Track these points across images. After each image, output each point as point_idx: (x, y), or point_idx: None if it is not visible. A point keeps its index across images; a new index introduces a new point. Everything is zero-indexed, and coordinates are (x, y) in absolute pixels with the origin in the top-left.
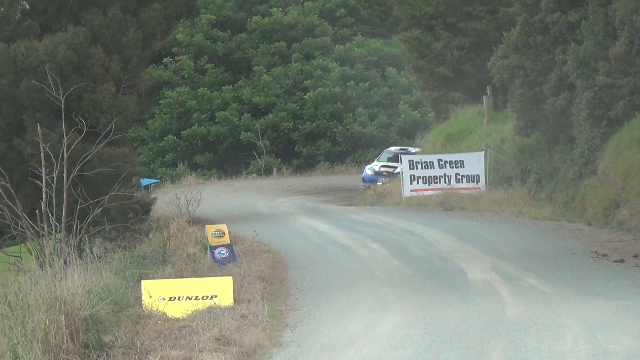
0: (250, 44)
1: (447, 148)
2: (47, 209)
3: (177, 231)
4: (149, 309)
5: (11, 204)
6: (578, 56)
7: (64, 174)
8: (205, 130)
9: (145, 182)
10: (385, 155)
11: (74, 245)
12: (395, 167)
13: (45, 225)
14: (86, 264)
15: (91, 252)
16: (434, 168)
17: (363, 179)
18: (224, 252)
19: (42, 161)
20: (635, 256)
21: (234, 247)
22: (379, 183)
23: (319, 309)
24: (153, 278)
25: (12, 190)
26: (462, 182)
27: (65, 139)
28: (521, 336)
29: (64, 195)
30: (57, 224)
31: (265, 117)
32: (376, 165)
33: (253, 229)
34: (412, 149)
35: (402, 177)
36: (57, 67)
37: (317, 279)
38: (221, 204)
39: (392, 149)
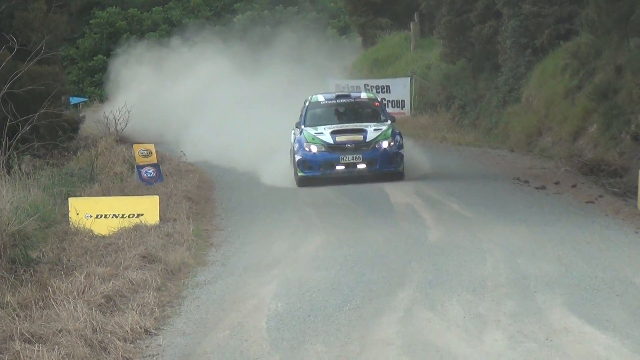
0: None
1: (373, 73)
2: None
3: (104, 150)
4: (76, 226)
5: None
6: None
7: None
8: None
9: (74, 100)
10: (314, 109)
11: (2, 162)
12: (365, 130)
13: None
14: (14, 181)
15: (20, 169)
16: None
17: (303, 161)
18: (150, 171)
19: None
20: (557, 183)
21: (160, 166)
22: (338, 167)
23: (244, 229)
24: (80, 196)
25: None
26: (388, 107)
27: None
28: (442, 259)
29: None
30: None
31: None
32: (322, 134)
33: (181, 149)
34: (361, 94)
35: None
36: None
37: (242, 199)
38: (150, 124)
39: (321, 98)
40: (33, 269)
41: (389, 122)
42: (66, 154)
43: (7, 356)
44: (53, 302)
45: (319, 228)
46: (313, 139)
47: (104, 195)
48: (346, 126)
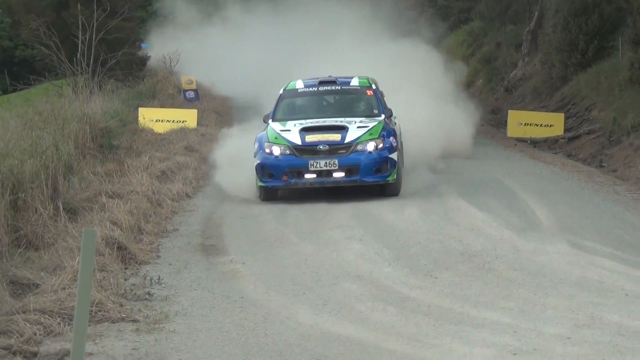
0: None
1: None
2: (81, 58)
3: (162, 78)
4: (143, 126)
5: (59, 53)
6: None
7: (93, 36)
8: None
9: (144, 45)
10: (289, 99)
11: (96, 82)
12: (345, 127)
13: (78, 68)
14: (104, 95)
15: (107, 87)
16: None
17: (262, 166)
18: (192, 94)
19: (79, 27)
20: None
21: (199, 91)
22: (308, 176)
23: (254, 131)
24: (146, 106)
25: (60, 44)
26: None
27: (95, 14)
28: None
29: (92, 50)
30: (87, 68)
31: None
32: (289, 132)
33: (213, 80)
34: (352, 80)
35: None
36: None
37: (252, 114)
38: (195, 60)
39: (300, 84)
40: (114, 152)
41: (383, 117)
42: (137, 79)
43: (96, 205)
44: (127, 173)
45: None
46: (276, 138)
47: (161, 107)
48: (322, 122)
